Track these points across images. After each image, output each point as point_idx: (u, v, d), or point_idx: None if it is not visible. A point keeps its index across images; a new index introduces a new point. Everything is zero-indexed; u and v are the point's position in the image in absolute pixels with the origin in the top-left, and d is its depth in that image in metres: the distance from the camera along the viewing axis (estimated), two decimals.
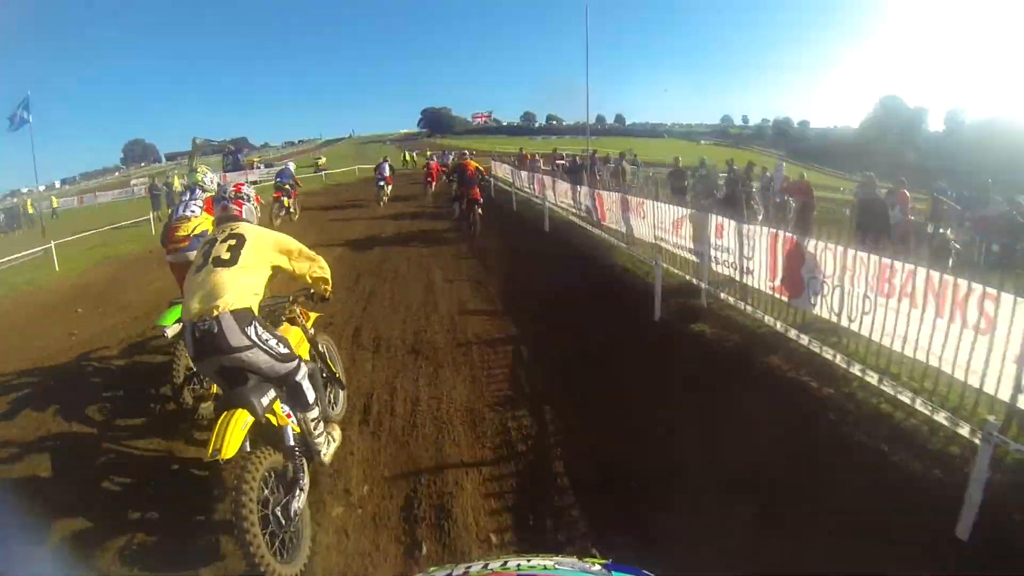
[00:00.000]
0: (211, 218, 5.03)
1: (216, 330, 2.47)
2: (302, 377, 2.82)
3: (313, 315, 3.54)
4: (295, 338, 3.12)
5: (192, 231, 4.80)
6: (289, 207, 13.14)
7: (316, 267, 3.12)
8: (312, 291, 3.26)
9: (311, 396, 2.87)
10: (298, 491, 2.58)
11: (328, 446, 3.08)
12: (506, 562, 1.10)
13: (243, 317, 2.55)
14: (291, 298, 3.31)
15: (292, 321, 3.25)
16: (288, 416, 2.75)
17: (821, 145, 70.57)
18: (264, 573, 2.20)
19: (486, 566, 1.07)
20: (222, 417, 2.48)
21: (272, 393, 2.70)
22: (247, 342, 2.53)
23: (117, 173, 67.83)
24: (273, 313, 3.24)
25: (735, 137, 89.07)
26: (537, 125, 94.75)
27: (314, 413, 2.91)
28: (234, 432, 2.40)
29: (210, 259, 2.69)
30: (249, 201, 3.16)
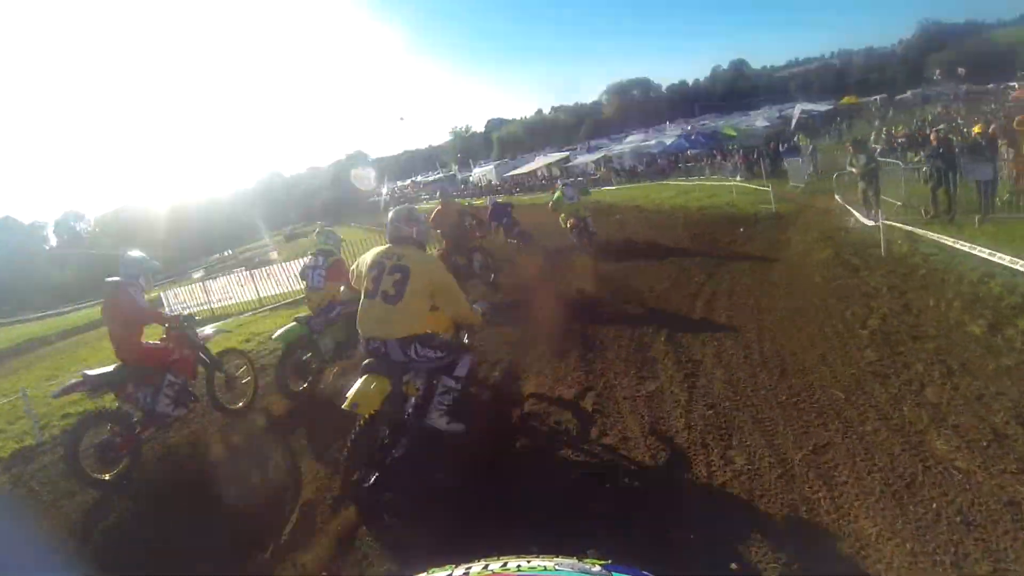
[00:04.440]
0: (338, 287, 5.51)
1: (383, 351, 3.14)
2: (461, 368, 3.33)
3: None
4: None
5: (320, 304, 5.41)
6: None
7: (461, 312, 3.39)
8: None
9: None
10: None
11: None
12: (506, 563, 1.11)
13: (405, 342, 3.11)
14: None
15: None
16: (418, 390, 3.27)
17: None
18: None
19: (486, 567, 1.09)
20: (365, 379, 3.02)
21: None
22: (404, 359, 3.15)
23: None
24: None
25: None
26: None
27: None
28: (373, 395, 2.95)
29: (379, 292, 3.10)
30: (421, 223, 3.38)
